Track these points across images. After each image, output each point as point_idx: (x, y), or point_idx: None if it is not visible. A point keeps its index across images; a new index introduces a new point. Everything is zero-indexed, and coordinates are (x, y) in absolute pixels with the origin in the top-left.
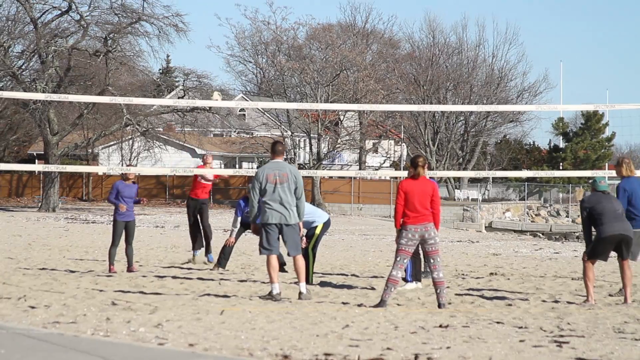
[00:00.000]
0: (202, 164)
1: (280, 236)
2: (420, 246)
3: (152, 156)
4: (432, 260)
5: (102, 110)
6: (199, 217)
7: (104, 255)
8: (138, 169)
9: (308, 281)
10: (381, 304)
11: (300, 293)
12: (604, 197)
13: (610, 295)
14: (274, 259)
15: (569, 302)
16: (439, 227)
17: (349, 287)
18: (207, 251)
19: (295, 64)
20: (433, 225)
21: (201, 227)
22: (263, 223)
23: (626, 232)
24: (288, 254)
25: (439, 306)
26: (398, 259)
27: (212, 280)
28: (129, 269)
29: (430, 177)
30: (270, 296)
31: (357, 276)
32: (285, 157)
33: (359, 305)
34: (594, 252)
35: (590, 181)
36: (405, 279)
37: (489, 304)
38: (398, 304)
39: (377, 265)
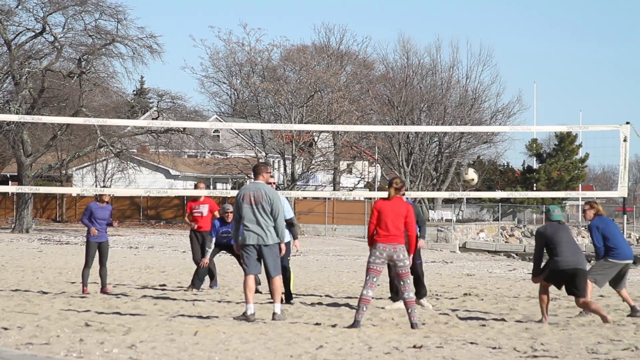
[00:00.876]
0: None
1: (261, 257)
2: (392, 268)
3: (126, 177)
4: (402, 282)
5: (76, 131)
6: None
7: (77, 276)
8: (112, 190)
9: (290, 297)
10: (355, 324)
11: (274, 314)
12: (561, 227)
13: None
14: (250, 280)
15: (542, 323)
16: (414, 249)
17: (323, 307)
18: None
19: (269, 85)
20: (403, 247)
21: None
22: (241, 244)
23: (581, 266)
24: (268, 276)
25: (412, 326)
26: (368, 277)
27: (186, 301)
28: (103, 290)
29: (406, 199)
30: (244, 317)
31: (331, 297)
32: (271, 176)
33: (333, 326)
34: (550, 277)
35: (544, 211)
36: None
37: (462, 324)
38: (372, 325)
39: (351, 285)
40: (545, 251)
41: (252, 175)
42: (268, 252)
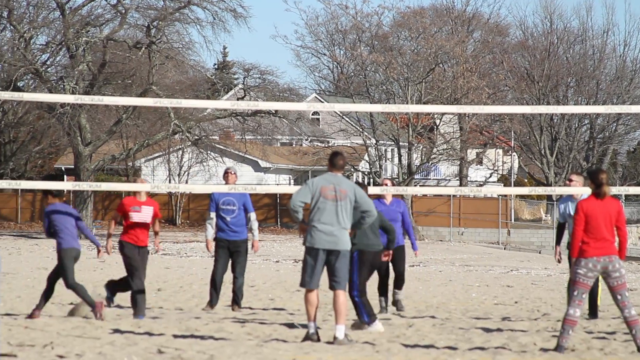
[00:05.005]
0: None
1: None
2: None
3: (205, 170)
4: (619, 297)
5: (145, 114)
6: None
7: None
8: (189, 187)
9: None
10: (558, 349)
11: (335, 338)
12: None
13: None
14: (313, 295)
15: None
16: (624, 255)
17: (449, 330)
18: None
19: (379, 57)
20: (617, 256)
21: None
22: (308, 247)
23: None
24: (330, 287)
25: (639, 350)
26: (576, 293)
27: (280, 324)
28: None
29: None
30: (307, 337)
31: (459, 316)
32: (345, 169)
33: (465, 349)
34: None
35: None
36: (364, 322)
37: (621, 350)
38: (509, 349)
39: (482, 303)
40: None
41: (328, 166)
42: (339, 260)
